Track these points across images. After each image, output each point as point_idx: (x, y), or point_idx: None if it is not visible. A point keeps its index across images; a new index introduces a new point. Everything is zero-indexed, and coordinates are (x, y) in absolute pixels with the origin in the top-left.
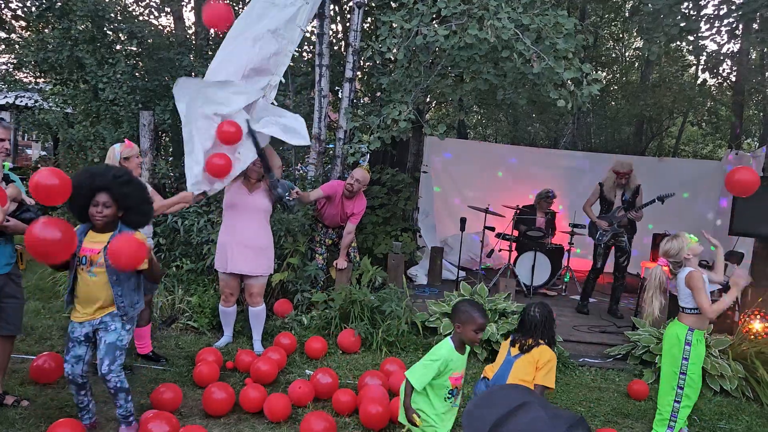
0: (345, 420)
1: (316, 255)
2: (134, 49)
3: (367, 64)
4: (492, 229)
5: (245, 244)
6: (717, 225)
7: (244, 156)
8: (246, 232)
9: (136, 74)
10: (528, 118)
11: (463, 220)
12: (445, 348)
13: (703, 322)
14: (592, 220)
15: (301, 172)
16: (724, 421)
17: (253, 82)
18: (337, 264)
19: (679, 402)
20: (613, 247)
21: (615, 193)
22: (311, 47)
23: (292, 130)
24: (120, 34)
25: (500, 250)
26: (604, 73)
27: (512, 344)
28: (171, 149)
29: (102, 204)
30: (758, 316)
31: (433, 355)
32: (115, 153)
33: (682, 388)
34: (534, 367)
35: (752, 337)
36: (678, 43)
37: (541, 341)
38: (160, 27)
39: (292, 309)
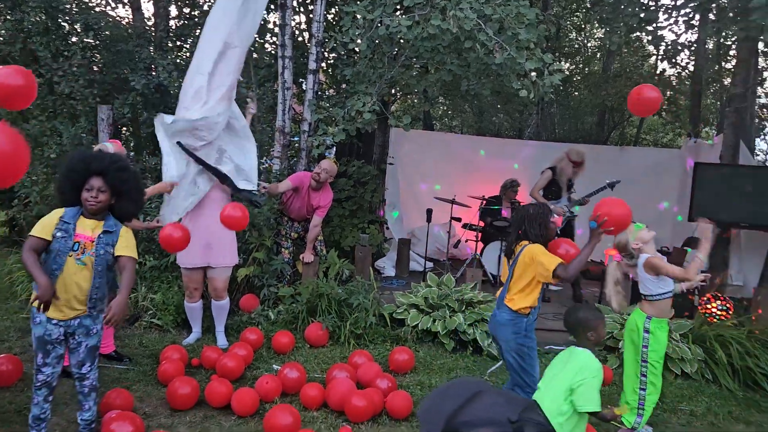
0: (313, 414)
1: (282, 249)
2: (90, 41)
3: (331, 55)
4: (458, 219)
5: (207, 237)
6: (674, 211)
7: (203, 186)
8: (207, 225)
9: (93, 67)
10: (493, 109)
11: (429, 212)
12: (594, 359)
13: (662, 310)
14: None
15: (266, 165)
16: (685, 402)
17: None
18: (303, 258)
19: (644, 390)
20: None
21: (564, 180)
22: (274, 38)
23: (244, 173)
24: (75, 26)
25: (467, 241)
26: (567, 64)
27: (506, 255)
28: (132, 144)
29: (97, 189)
30: (717, 299)
31: (591, 371)
32: (108, 150)
33: (645, 376)
34: (525, 268)
35: (711, 320)
36: (638, 33)
37: (527, 242)
38: (117, 18)
39: (258, 304)
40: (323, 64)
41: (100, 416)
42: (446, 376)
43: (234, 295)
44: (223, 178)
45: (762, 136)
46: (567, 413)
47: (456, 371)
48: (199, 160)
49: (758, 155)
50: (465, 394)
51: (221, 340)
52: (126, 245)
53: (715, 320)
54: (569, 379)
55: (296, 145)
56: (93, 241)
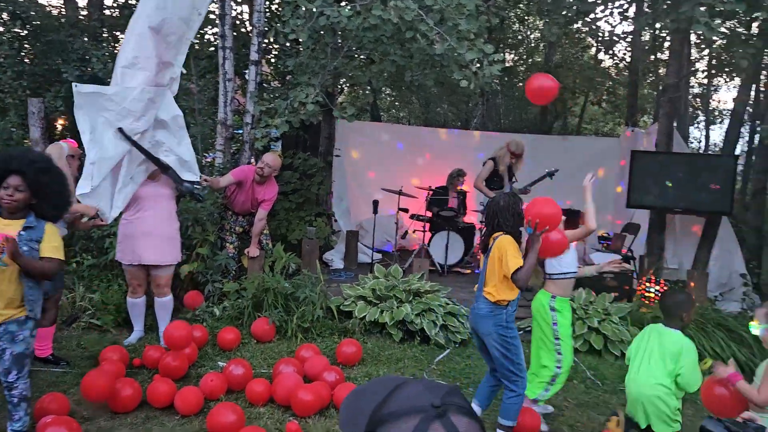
0: (259, 410)
1: (227, 244)
2: (18, 31)
3: (274, 46)
4: (406, 210)
5: (150, 234)
6: (616, 199)
7: (137, 178)
8: (150, 221)
9: (23, 59)
10: (439, 99)
11: (375, 203)
12: (687, 339)
13: (565, 290)
14: (488, 196)
15: (208, 159)
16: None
17: (160, 78)
18: (248, 252)
19: (560, 367)
20: None
21: (506, 170)
22: (215, 29)
23: (187, 164)
24: (1, 15)
25: (414, 231)
26: (512, 55)
27: (481, 249)
28: (68, 137)
29: (13, 187)
30: (653, 282)
31: (692, 353)
32: (63, 150)
33: (560, 354)
34: (497, 261)
35: (648, 302)
36: (576, 24)
37: (500, 233)
38: (48, 7)
39: (203, 301)
40: (267, 55)
41: (34, 422)
42: (394, 366)
43: (177, 292)
44: (165, 169)
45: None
46: (671, 390)
47: (404, 361)
48: (141, 149)
49: (692, 143)
50: (384, 390)
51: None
52: (51, 245)
53: (652, 303)
54: (674, 363)
55: (240, 137)
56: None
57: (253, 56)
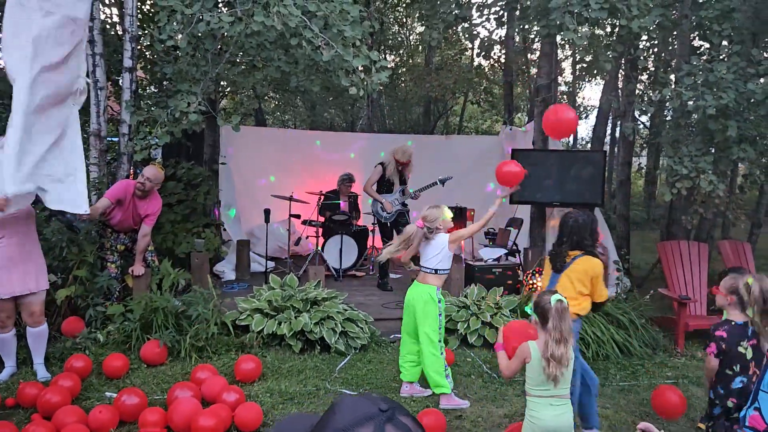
0: None
1: (108, 264)
2: None
3: (149, 52)
4: (298, 216)
5: (12, 262)
6: (497, 194)
7: (16, 201)
8: (13, 247)
9: None
10: (324, 103)
11: (267, 212)
12: None
13: (442, 281)
14: (378, 200)
15: None
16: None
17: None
18: (133, 271)
19: (443, 354)
20: (396, 226)
21: (396, 175)
22: None
23: (70, 201)
24: None
25: (307, 237)
26: (393, 57)
27: (550, 260)
28: None
29: None
30: (538, 274)
31: None
32: None
33: (441, 342)
34: (583, 279)
35: (534, 293)
36: (455, 28)
37: (580, 252)
38: None
39: (84, 326)
40: (141, 61)
41: None
42: (296, 378)
43: (54, 319)
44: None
45: None
46: None
47: (305, 372)
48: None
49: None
50: (314, 419)
51: (41, 372)
52: None
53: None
54: None
55: (116, 148)
56: None
57: (127, 63)
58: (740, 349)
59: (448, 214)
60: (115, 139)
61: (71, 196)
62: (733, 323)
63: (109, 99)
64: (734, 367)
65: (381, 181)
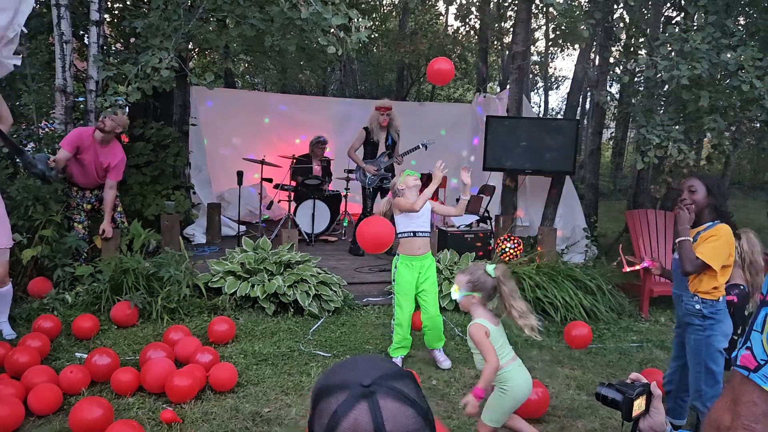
0: (128, 401)
1: (75, 224)
2: None
3: (116, 5)
4: (270, 180)
5: None
6: (471, 161)
7: None
8: None
9: None
10: (297, 66)
11: (240, 174)
12: None
13: (407, 248)
14: (360, 165)
15: (45, 129)
16: None
17: None
18: (103, 231)
19: (394, 320)
20: (379, 191)
21: (380, 135)
22: None
23: None
24: None
25: (279, 201)
26: (365, 21)
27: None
28: None
29: None
30: (508, 239)
31: None
32: None
33: (395, 307)
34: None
35: (505, 258)
36: None
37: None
38: None
39: (51, 287)
40: (108, 15)
41: None
42: (269, 340)
43: (20, 279)
44: (19, 152)
45: (535, 90)
46: None
47: (279, 334)
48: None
49: (533, 107)
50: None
51: (6, 329)
52: None
53: (508, 259)
54: None
55: (81, 106)
56: None
57: (94, 16)
58: (745, 312)
59: (408, 173)
60: (80, 99)
61: None
62: (741, 287)
63: (72, 55)
64: (738, 331)
65: (365, 146)
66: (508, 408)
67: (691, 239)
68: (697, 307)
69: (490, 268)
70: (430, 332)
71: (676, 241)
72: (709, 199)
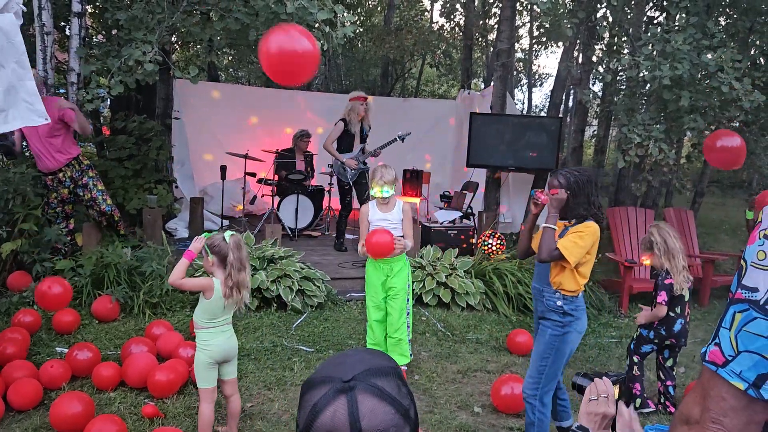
0: (110, 395)
1: (53, 226)
2: None
3: None
4: (253, 174)
5: None
6: (452, 159)
7: None
8: None
9: None
10: None
11: (223, 168)
12: None
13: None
14: (339, 159)
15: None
16: (471, 332)
17: None
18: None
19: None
20: (357, 186)
21: (356, 127)
22: None
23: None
24: None
25: (263, 196)
26: (351, 16)
27: None
28: None
29: None
30: (492, 236)
31: None
32: None
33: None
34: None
35: (489, 255)
36: None
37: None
38: None
39: (31, 281)
40: (89, 6)
41: None
42: (252, 335)
43: None
44: None
45: (518, 87)
46: None
47: (262, 329)
48: None
49: (516, 104)
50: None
51: None
52: None
53: (491, 256)
54: None
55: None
56: None
57: (76, 7)
58: (682, 292)
59: (376, 191)
60: (61, 91)
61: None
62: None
63: (54, 47)
64: (676, 309)
65: (341, 139)
66: (203, 366)
67: (558, 231)
68: (558, 303)
69: (227, 234)
70: (393, 344)
71: (541, 226)
72: (569, 198)
